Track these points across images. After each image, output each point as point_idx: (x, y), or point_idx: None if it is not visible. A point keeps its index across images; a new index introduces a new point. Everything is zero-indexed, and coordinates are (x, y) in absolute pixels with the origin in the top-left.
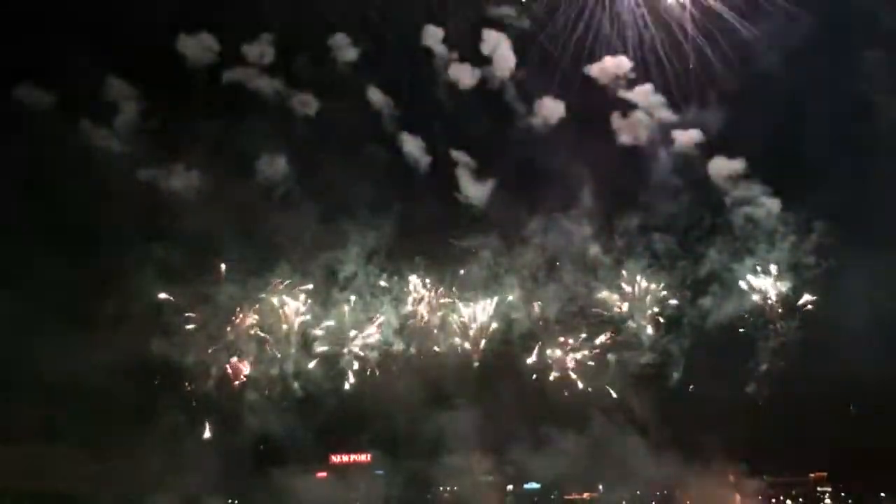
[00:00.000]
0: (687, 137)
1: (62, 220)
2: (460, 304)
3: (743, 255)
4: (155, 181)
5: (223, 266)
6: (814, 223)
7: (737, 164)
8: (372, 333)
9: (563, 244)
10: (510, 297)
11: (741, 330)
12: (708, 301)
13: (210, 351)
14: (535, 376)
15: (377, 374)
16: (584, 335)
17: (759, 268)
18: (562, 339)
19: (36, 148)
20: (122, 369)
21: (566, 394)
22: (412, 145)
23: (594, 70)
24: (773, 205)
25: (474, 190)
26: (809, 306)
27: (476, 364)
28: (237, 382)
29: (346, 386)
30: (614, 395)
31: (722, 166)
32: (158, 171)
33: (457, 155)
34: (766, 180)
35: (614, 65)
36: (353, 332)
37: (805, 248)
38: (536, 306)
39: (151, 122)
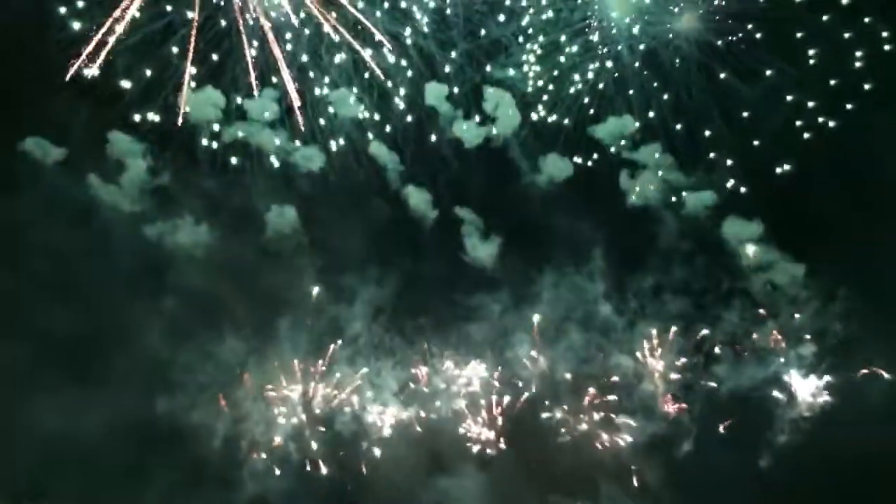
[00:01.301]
0: (698, 198)
1: (66, 274)
2: (465, 366)
3: (762, 320)
4: (160, 236)
5: (227, 324)
6: (838, 289)
7: (753, 227)
8: (374, 398)
9: (573, 304)
10: (517, 358)
11: (759, 398)
12: (724, 367)
13: (214, 412)
14: (543, 441)
15: (379, 441)
16: (594, 398)
17: (779, 334)
18: (571, 402)
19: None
20: (123, 427)
21: (575, 459)
22: (417, 201)
23: (599, 131)
24: (794, 269)
25: (480, 247)
26: (832, 376)
27: (481, 428)
28: (242, 444)
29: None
30: (625, 461)
31: (737, 228)
32: (163, 225)
33: (462, 212)
34: (784, 243)
35: (619, 125)
36: (354, 398)
37: (829, 315)
38: (546, 368)
39: (156, 178)
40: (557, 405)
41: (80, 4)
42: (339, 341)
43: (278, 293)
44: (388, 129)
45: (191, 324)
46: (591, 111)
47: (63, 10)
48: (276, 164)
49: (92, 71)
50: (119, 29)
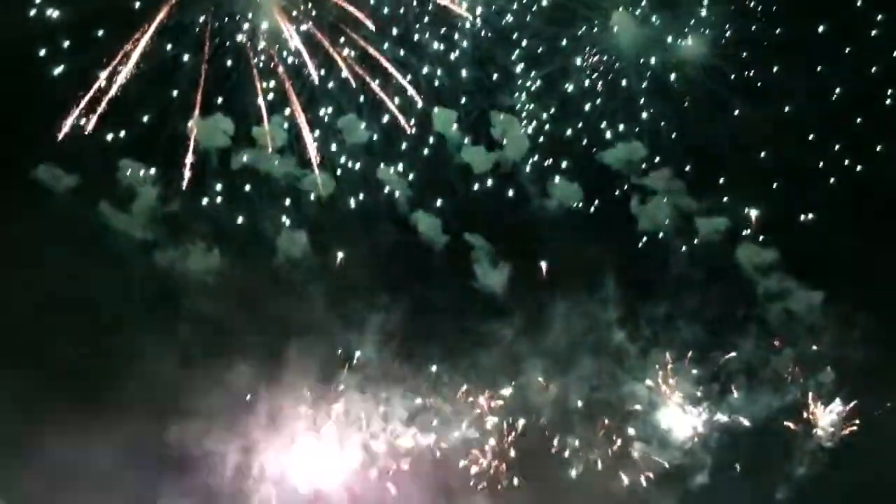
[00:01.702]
0: (711, 224)
1: (79, 300)
2: (477, 394)
3: (780, 348)
4: (171, 262)
5: (237, 350)
6: (857, 315)
7: (768, 254)
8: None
9: (585, 331)
10: (528, 386)
11: (777, 428)
12: (740, 396)
13: (224, 440)
14: (555, 473)
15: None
16: (608, 428)
17: (797, 363)
18: (584, 431)
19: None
20: (133, 454)
21: (587, 491)
22: (426, 227)
23: (607, 157)
24: (811, 297)
25: (491, 273)
26: (853, 405)
27: (492, 459)
28: (252, 471)
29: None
30: (640, 493)
31: (752, 255)
32: (174, 252)
33: (472, 238)
34: (799, 270)
35: (628, 150)
36: (364, 425)
37: (849, 341)
38: (557, 395)
39: (167, 205)
40: (570, 434)
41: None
42: (348, 367)
43: (288, 319)
44: (396, 154)
45: (201, 350)
46: (600, 137)
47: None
48: (286, 189)
49: (90, 124)
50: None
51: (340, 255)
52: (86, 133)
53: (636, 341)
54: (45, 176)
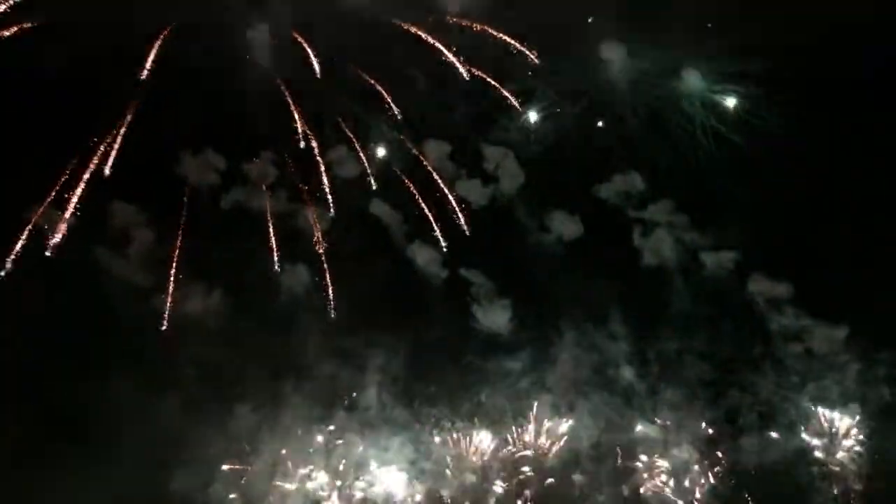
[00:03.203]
0: (718, 258)
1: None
2: (478, 436)
3: (797, 387)
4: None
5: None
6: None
7: (781, 289)
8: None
9: (588, 370)
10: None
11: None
12: (754, 438)
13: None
14: None
15: None
16: (619, 469)
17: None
18: (594, 472)
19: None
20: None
21: None
22: (424, 261)
23: (604, 190)
24: (831, 333)
25: (491, 309)
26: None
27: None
28: None
29: None
30: None
31: (763, 289)
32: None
33: (469, 273)
34: (816, 306)
35: (625, 182)
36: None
37: (872, 378)
38: (564, 437)
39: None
40: (579, 476)
41: None
42: (347, 410)
43: (287, 361)
44: (390, 188)
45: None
46: (596, 169)
47: None
48: (280, 226)
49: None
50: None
51: (340, 291)
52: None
53: (644, 379)
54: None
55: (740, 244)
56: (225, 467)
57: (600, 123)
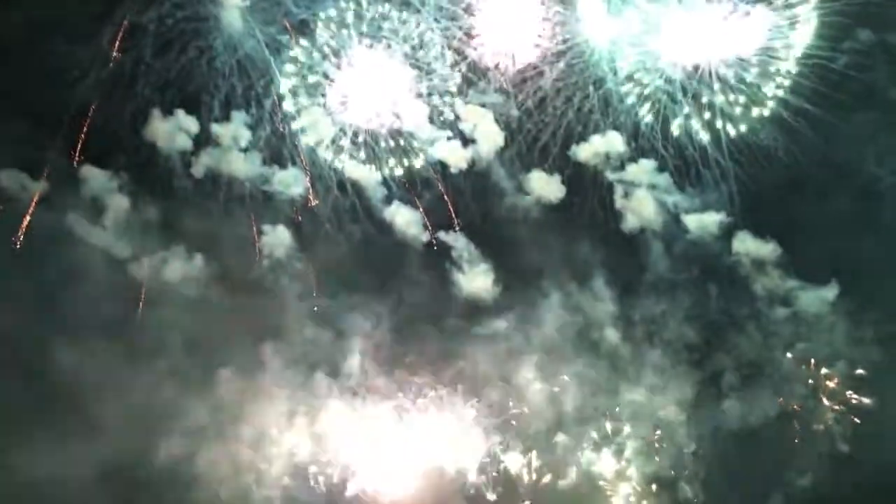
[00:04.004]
0: (701, 220)
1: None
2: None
3: (783, 348)
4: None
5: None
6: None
7: (767, 249)
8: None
9: (571, 333)
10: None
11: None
12: (739, 400)
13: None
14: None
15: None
16: (603, 433)
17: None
18: (579, 434)
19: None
20: (114, 474)
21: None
22: (403, 223)
23: (583, 150)
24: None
25: (473, 273)
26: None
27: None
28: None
29: None
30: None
31: (749, 250)
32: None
33: (450, 237)
34: (800, 266)
35: (604, 143)
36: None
37: (860, 339)
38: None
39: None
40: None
41: None
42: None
43: (268, 326)
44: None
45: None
46: (576, 130)
47: None
48: (257, 189)
49: None
50: None
51: (319, 255)
52: None
53: (630, 340)
54: (9, 183)
55: (724, 206)
56: (209, 436)
57: (580, 85)
